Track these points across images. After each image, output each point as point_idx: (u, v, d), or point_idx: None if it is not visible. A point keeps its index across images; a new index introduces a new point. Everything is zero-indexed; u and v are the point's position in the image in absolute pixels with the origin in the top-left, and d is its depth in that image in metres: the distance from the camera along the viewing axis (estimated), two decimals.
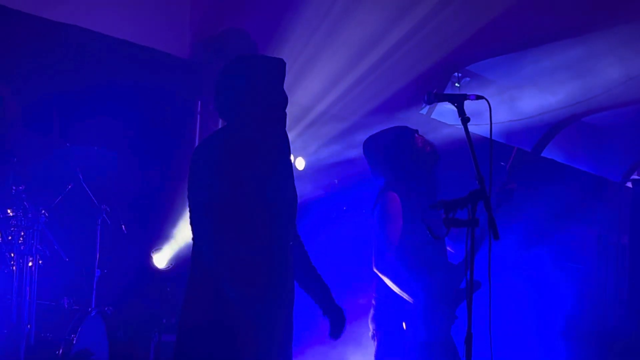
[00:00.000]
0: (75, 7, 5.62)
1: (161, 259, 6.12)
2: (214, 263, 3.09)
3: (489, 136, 3.29)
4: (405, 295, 3.99)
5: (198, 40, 6.38)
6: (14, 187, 4.82)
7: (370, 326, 4.24)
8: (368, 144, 4.36)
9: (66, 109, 5.56)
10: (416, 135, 4.29)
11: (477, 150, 3.21)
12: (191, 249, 3.30)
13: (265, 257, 3.19)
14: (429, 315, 3.99)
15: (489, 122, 3.34)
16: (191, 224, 3.26)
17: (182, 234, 6.02)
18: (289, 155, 3.45)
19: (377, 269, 4.07)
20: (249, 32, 6.29)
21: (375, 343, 4.20)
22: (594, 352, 9.05)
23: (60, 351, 4.80)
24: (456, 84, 7.66)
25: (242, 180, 3.15)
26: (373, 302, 4.25)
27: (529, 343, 8.47)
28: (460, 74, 7.64)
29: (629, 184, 10.42)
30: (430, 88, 7.43)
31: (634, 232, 10.26)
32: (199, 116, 6.57)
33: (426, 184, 4.23)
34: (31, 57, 5.49)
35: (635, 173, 10.37)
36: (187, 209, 3.29)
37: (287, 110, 3.37)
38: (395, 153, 4.23)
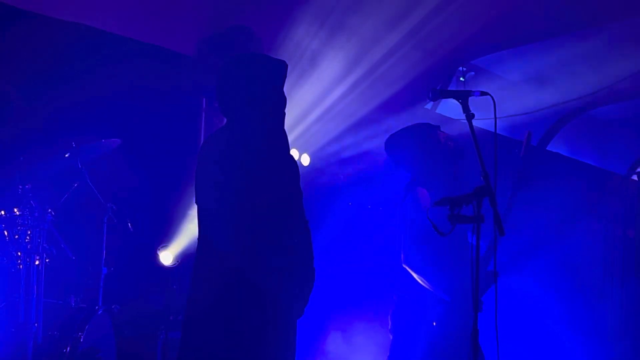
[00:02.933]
0: (80, 6, 5.63)
1: (168, 256, 6.14)
2: (236, 255, 3.12)
3: (493, 130, 3.30)
4: (437, 292, 4.00)
5: (203, 37, 6.38)
6: (20, 186, 4.82)
7: (390, 321, 4.24)
8: (392, 142, 4.40)
9: (72, 107, 5.55)
10: (438, 131, 4.34)
11: (481, 145, 3.21)
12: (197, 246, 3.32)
13: (277, 246, 3.22)
14: (463, 311, 3.95)
15: (493, 116, 3.34)
16: (202, 220, 3.27)
17: (188, 231, 6.03)
18: (288, 152, 3.48)
19: (407, 265, 4.06)
20: (254, 28, 6.29)
21: (392, 338, 4.19)
22: (600, 346, 9.04)
23: (68, 349, 4.80)
24: (461, 78, 7.65)
25: (249, 176, 3.18)
26: (395, 297, 4.23)
27: (533, 338, 8.46)
28: (465, 68, 7.62)
29: (635, 177, 10.39)
30: (435, 82, 7.42)
31: None
32: (204, 113, 6.58)
33: (451, 179, 4.27)
34: (37, 56, 5.49)
35: None
36: (194, 206, 3.30)
37: (287, 110, 3.41)
38: (420, 150, 4.28)
